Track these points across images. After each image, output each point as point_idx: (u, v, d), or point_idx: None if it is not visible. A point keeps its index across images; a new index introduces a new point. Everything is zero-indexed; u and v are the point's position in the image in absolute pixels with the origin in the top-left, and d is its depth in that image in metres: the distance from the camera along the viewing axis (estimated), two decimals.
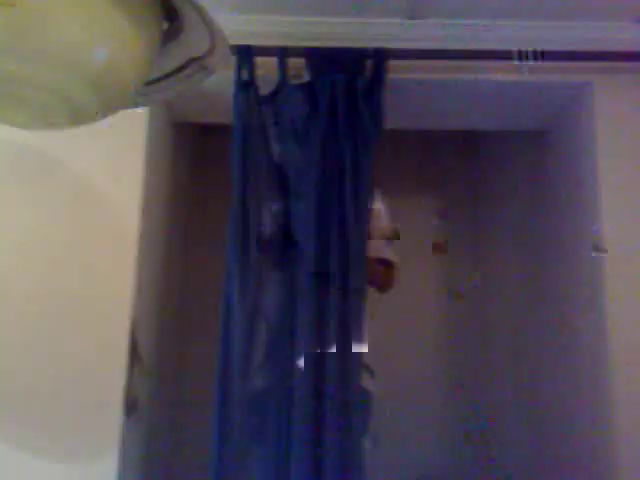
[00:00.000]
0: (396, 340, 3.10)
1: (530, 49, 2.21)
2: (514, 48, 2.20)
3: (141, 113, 2.13)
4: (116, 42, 1.21)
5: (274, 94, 2.16)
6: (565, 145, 2.55)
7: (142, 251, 2.16)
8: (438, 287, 3.38)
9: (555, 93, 2.39)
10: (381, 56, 2.17)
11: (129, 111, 1.51)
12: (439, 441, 3.16)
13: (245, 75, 2.14)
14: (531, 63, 2.22)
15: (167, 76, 1.42)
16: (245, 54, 2.14)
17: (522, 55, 2.20)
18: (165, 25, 1.34)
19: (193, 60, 1.37)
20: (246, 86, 2.13)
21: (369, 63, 2.17)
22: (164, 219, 2.55)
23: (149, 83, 1.41)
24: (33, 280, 2.07)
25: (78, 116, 1.28)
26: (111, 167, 2.16)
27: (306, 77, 2.17)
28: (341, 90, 2.11)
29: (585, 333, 2.28)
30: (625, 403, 2.06)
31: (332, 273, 1.98)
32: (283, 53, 2.15)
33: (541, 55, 2.21)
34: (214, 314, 2.51)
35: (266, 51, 2.15)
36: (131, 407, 2.10)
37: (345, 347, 1.97)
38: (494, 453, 3.04)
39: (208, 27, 1.28)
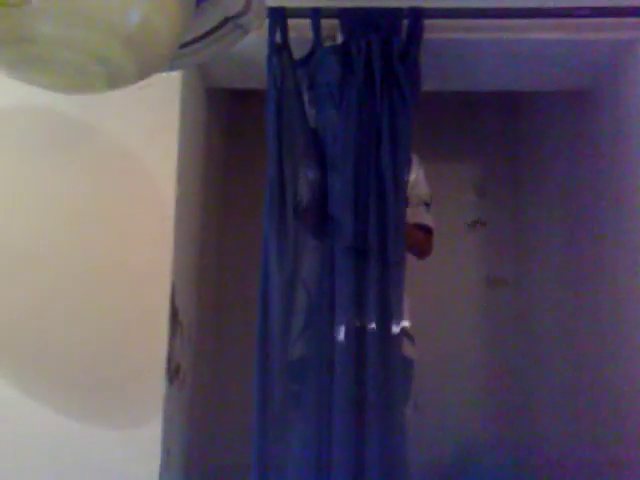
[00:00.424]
0: (435, 308, 3.08)
1: (573, 5, 2.13)
2: (556, 5, 2.13)
3: (174, 78, 2.12)
4: (151, 3, 1.19)
5: (308, 57, 2.13)
6: (610, 105, 2.47)
7: (179, 217, 2.16)
8: (475, 264, 3.33)
9: (599, 51, 2.31)
10: (417, 15, 2.11)
11: (163, 77, 1.50)
12: (480, 411, 3.14)
13: (278, 38, 2.11)
14: (574, 20, 2.15)
15: (203, 37, 1.40)
16: (278, 16, 2.11)
17: (565, 12, 2.13)
18: None
19: (228, 19, 1.36)
20: (279, 49, 2.10)
21: (405, 23, 2.12)
22: (200, 185, 2.55)
23: (185, 45, 1.39)
24: (73, 249, 2.09)
25: (115, 79, 1.27)
26: (146, 133, 2.16)
27: (340, 39, 2.13)
28: (377, 51, 2.06)
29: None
30: None
31: (371, 249, 1.97)
32: (317, 14, 2.11)
33: (584, 11, 2.14)
34: (252, 280, 2.51)
35: (299, 12, 2.11)
36: (173, 373, 2.13)
37: (386, 319, 1.96)
38: (538, 429, 3.01)
39: None
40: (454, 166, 3.36)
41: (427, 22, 2.11)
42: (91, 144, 2.16)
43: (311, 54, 2.13)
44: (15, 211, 2.10)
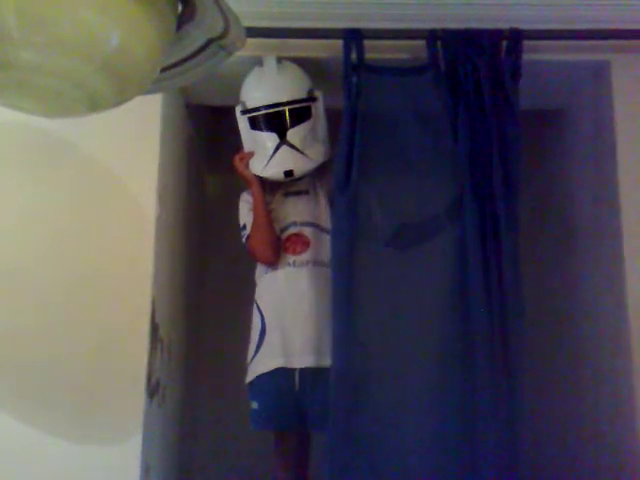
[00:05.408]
0: None
1: (547, 28, 2.18)
2: (531, 27, 2.17)
3: (155, 95, 2.10)
4: (127, 26, 1.21)
5: (398, 77, 2.19)
6: (583, 124, 2.52)
7: (160, 234, 2.18)
8: None
9: (572, 72, 2.37)
10: (519, 36, 2.16)
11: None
12: None
13: (354, 58, 2.16)
14: (547, 42, 2.20)
15: (187, 59, 1.42)
16: (354, 36, 2.15)
17: (540, 34, 2.18)
18: (180, 7, 1.34)
19: (211, 41, 1.37)
20: (355, 69, 2.16)
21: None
22: (181, 201, 2.56)
23: (169, 67, 1.41)
24: (53, 265, 2.09)
25: (94, 102, 1.28)
26: (127, 150, 2.17)
27: (442, 61, 2.17)
28: (484, 73, 2.12)
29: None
30: None
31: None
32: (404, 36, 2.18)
33: (558, 34, 2.19)
34: (233, 296, 2.51)
35: (378, 34, 2.18)
36: (153, 389, 2.13)
37: None
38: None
39: (218, 7, 1.27)
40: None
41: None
42: (72, 160, 2.17)
43: (401, 75, 2.19)
44: None
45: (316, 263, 2.22)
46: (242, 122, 2.25)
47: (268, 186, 2.30)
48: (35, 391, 2.04)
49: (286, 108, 2.18)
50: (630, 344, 2.10)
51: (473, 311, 2.02)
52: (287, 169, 2.20)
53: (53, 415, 2.05)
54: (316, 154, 2.24)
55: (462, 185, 2.08)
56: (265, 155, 2.22)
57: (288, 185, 2.31)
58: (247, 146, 2.29)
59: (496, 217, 2.06)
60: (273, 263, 2.24)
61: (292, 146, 2.19)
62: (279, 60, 2.22)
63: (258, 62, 2.25)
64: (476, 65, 2.12)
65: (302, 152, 2.20)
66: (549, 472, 2.55)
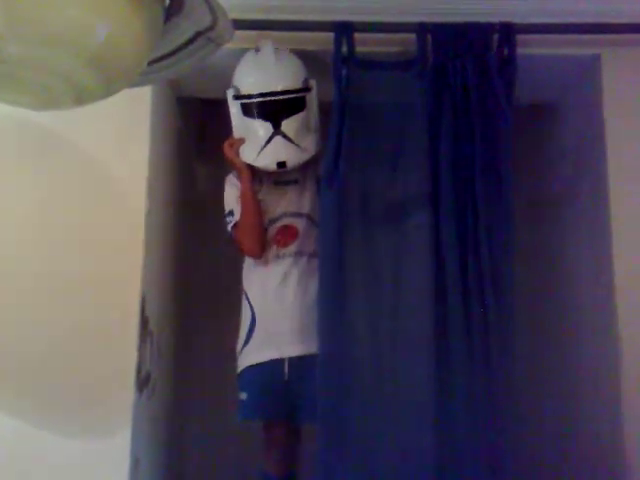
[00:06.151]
0: None
1: (538, 22, 2.18)
2: (522, 21, 2.18)
3: (145, 88, 2.09)
4: (114, 20, 1.20)
5: (388, 71, 2.18)
6: (573, 119, 2.53)
7: (150, 227, 2.17)
8: None
9: (562, 66, 2.37)
10: (511, 30, 2.15)
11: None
12: None
13: (345, 51, 2.15)
14: (538, 36, 2.20)
15: (175, 51, 1.41)
16: (345, 29, 2.15)
17: (530, 28, 2.18)
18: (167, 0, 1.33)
19: (200, 34, 1.37)
20: (345, 61, 2.15)
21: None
22: (171, 194, 2.55)
23: (158, 60, 1.40)
24: (43, 258, 2.09)
25: (81, 95, 1.28)
26: (116, 144, 2.16)
27: (430, 55, 2.16)
28: (472, 69, 2.12)
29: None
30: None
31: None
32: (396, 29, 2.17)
33: (549, 28, 2.19)
34: (223, 289, 2.51)
35: (368, 27, 2.18)
36: (143, 382, 2.13)
37: None
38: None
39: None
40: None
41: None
42: (60, 153, 2.16)
43: (389, 69, 2.18)
44: None
45: (303, 254, 2.22)
46: (234, 107, 2.22)
47: (257, 174, 2.28)
48: (24, 385, 2.04)
49: (282, 97, 2.15)
50: (617, 339, 2.13)
51: (453, 297, 2.05)
52: (280, 160, 2.18)
53: (42, 408, 2.05)
54: (309, 145, 2.22)
55: (443, 183, 2.09)
56: (257, 144, 2.20)
57: (278, 174, 2.28)
58: (238, 132, 2.26)
59: (476, 211, 2.07)
60: (258, 256, 2.24)
61: (286, 137, 2.17)
62: (275, 48, 2.18)
63: (253, 49, 2.21)
64: (465, 62, 2.12)
65: (296, 143, 2.18)
66: (533, 467, 2.57)
